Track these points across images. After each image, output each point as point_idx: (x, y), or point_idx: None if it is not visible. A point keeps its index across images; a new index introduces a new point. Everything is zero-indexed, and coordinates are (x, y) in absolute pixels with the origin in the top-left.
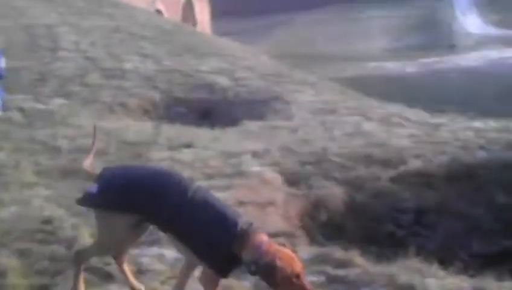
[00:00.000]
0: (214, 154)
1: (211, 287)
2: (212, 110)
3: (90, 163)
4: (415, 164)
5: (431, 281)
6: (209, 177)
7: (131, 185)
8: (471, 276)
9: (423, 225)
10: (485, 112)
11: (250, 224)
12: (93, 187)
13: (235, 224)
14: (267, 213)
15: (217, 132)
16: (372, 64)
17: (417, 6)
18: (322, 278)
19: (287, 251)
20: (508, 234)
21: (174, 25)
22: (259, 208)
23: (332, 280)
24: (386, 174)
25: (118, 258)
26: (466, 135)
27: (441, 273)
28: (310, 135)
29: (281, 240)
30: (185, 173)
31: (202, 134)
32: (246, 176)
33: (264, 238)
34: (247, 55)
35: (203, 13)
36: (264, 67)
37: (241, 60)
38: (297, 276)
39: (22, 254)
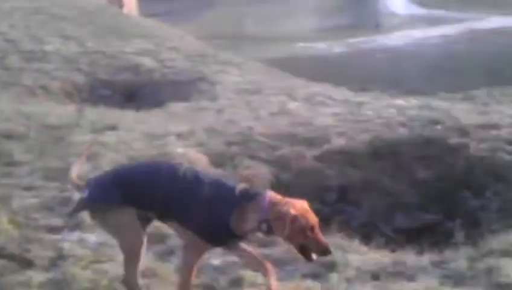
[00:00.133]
0: (138, 137)
1: (193, 258)
2: (137, 92)
3: (76, 174)
4: (338, 142)
5: (353, 257)
6: (133, 159)
7: (120, 178)
8: (393, 251)
9: (347, 202)
10: (409, 90)
11: (246, 191)
12: (84, 192)
13: (232, 197)
14: None
15: (141, 114)
16: (301, 44)
17: None
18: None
19: (301, 202)
20: (429, 209)
21: (97, 6)
22: None
23: None
24: (310, 152)
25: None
26: (388, 112)
27: (363, 248)
28: (235, 115)
29: None
30: (109, 156)
31: (126, 116)
32: (170, 157)
33: (266, 197)
34: (173, 36)
35: None
36: (190, 48)
37: (166, 41)
38: (312, 229)
39: None
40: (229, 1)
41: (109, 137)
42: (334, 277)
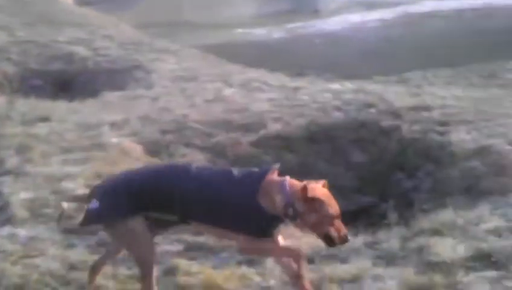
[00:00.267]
0: (71, 127)
1: (256, 251)
2: (70, 81)
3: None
4: (274, 128)
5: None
6: (66, 151)
7: (133, 187)
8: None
9: None
10: (346, 75)
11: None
12: (93, 204)
13: (250, 186)
14: None
15: (75, 104)
16: (240, 30)
17: None
18: (181, 247)
19: (321, 187)
20: (364, 191)
21: None
22: None
23: (190, 247)
24: (246, 138)
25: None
26: (324, 97)
27: (298, 233)
28: (170, 103)
29: None
30: (40, 148)
31: (59, 107)
32: (104, 148)
33: (283, 180)
34: (108, 24)
35: None
36: (125, 36)
37: (100, 29)
38: (338, 217)
39: None
40: None
41: (41, 129)
42: (269, 262)
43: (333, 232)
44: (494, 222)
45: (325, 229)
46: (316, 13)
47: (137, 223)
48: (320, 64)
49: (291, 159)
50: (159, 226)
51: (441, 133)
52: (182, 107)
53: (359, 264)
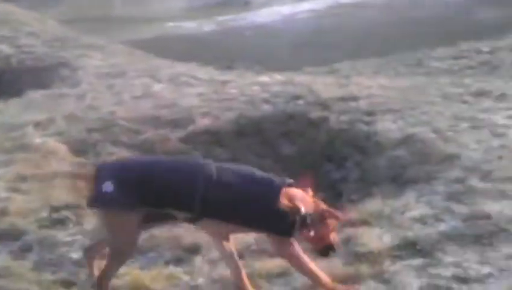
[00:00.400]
0: None
1: (289, 253)
2: None
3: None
4: (203, 122)
5: None
6: None
7: (146, 181)
8: None
9: None
10: (277, 67)
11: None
12: (107, 186)
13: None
14: (52, 186)
15: None
16: (170, 24)
17: None
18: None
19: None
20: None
21: None
22: (43, 181)
23: None
24: (175, 134)
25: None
26: (252, 90)
27: None
28: (97, 100)
29: (66, 213)
30: None
31: None
32: (28, 149)
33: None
34: (32, 21)
35: None
36: (50, 33)
37: (24, 26)
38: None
39: None
40: None
41: None
42: (197, 260)
43: (334, 244)
44: (420, 210)
45: (327, 241)
46: (246, 5)
47: (136, 217)
48: (252, 57)
49: (221, 153)
50: (157, 220)
51: (368, 123)
52: (108, 104)
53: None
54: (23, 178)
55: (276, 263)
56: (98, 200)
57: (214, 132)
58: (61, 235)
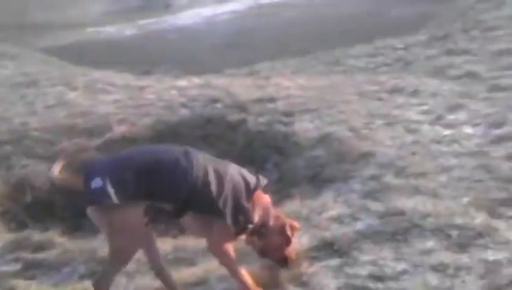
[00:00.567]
0: None
1: (225, 252)
2: None
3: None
4: (120, 130)
5: None
6: None
7: (142, 175)
8: (174, 237)
9: None
10: (200, 70)
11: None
12: (96, 182)
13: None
14: None
15: None
16: (90, 29)
17: None
18: (18, 266)
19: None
20: None
21: None
22: None
23: (29, 265)
24: (92, 143)
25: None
26: (170, 94)
27: None
28: (8, 111)
29: None
30: None
31: None
32: None
33: (268, 199)
34: None
35: None
36: None
37: None
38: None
39: None
40: None
41: None
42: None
43: (291, 256)
44: (337, 209)
45: (282, 254)
46: (167, 8)
47: (135, 211)
48: (174, 60)
49: None
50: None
51: (286, 124)
52: (20, 115)
53: (206, 266)
54: None
55: (193, 272)
56: (88, 198)
57: (131, 139)
58: None
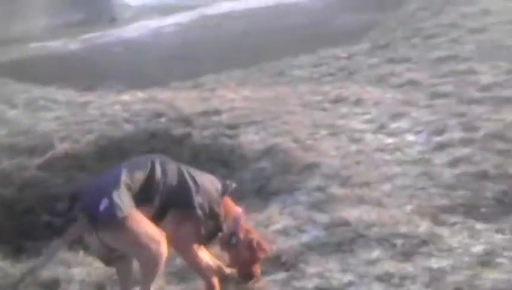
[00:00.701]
0: None
1: (189, 249)
2: None
3: None
4: (62, 147)
5: (77, 271)
6: None
7: (128, 184)
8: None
9: None
10: (145, 83)
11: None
12: (103, 203)
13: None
14: None
15: None
16: (34, 44)
17: None
18: None
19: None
20: None
21: None
22: None
23: None
24: (33, 162)
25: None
26: (113, 109)
27: (88, 259)
28: None
29: None
30: None
31: None
32: None
33: (240, 210)
34: None
35: None
36: None
37: None
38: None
39: None
40: None
41: None
42: None
43: (255, 274)
44: (283, 222)
45: (248, 270)
46: (112, 21)
47: (139, 212)
48: (120, 73)
49: (84, 178)
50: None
51: (231, 137)
52: None
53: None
54: None
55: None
56: (100, 221)
57: (74, 156)
58: None
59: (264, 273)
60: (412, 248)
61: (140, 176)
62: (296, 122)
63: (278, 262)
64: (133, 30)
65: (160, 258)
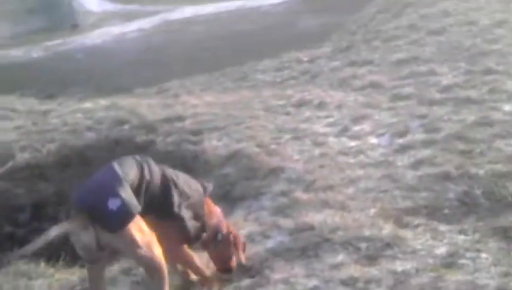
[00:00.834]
0: None
1: (180, 255)
2: None
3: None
4: (23, 157)
5: (38, 282)
6: None
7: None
8: (82, 266)
9: (44, 219)
10: (109, 89)
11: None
12: (114, 203)
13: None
14: None
15: None
16: None
17: None
18: None
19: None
20: None
21: None
22: None
23: None
24: None
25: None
26: (75, 118)
27: (50, 270)
28: None
29: None
30: None
31: None
32: None
33: (219, 209)
34: None
35: None
36: None
37: None
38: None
39: None
40: None
41: None
42: None
43: (233, 267)
44: (248, 228)
45: (228, 264)
46: (75, 28)
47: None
48: (83, 81)
49: (46, 187)
50: None
51: (195, 143)
52: None
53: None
54: None
55: None
56: (119, 220)
57: (36, 166)
58: None
59: (228, 280)
60: (376, 251)
61: (132, 176)
62: (260, 126)
63: (242, 269)
64: (95, 36)
65: (160, 257)
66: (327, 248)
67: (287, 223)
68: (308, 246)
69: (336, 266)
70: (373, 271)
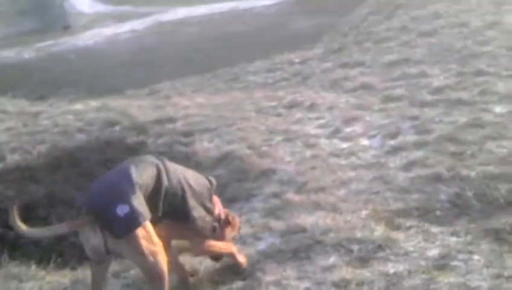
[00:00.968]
0: None
1: (206, 249)
2: None
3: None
4: (13, 159)
5: (29, 285)
6: None
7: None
8: (73, 269)
9: (34, 221)
10: (100, 91)
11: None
12: (123, 209)
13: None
14: None
15: None
16: None
17: None
18: None
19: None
20: None
21: None
22: None
23: None
24: None
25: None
26: (65, 119)
27: (41, 273)
28: None
29: None
30: None
31: None
32: None
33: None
34: None
35: None
36: None
37: None
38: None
39: None
40: None
41: None
42: None
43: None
44: (240, 230)
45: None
46: (67, 29)
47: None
48: (74, 82)
49: (37, 189)
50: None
51: (186, 144)
52: None
53: None
54: None
55: None
56: (126, 226)
57: (26, 168)
58: None
59: (220, 282)
60: (368, 253)
61: (149, 180)
62: (251, 128)
63: (234, 271)
64: (87, 38)
65: (163, 267)
66: (319, 250)
67: (278, 225)
68: (299, 248)
69: (328, 268)
70: (365, 273)
